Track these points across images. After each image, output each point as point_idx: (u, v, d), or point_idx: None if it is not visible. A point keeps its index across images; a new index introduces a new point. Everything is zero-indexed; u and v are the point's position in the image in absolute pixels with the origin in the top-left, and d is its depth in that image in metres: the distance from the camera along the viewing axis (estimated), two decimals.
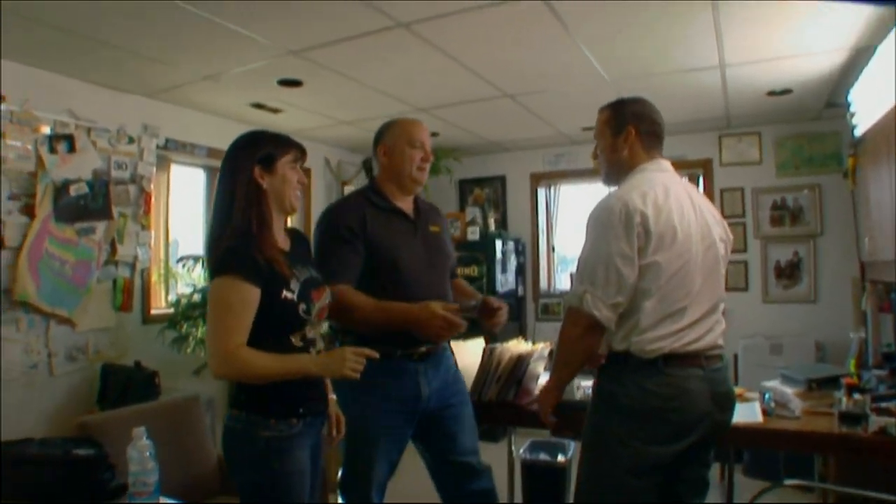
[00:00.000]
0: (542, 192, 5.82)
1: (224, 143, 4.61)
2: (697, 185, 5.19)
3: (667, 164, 2.00)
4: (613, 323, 1.80)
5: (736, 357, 4.67)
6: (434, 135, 5.20)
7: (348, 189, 5.37)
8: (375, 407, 2.15)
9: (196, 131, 4.26)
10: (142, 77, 3.64)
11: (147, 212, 3.92)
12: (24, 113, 3.34)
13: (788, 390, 2.71)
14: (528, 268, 5.81)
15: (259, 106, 4.22)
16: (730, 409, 1.95)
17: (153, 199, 3.98)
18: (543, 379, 3.06)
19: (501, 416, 2.80)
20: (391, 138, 2.32)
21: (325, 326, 1.87)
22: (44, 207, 3.38)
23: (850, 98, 3.57)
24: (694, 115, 4.64)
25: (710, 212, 2.00)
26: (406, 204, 2.34)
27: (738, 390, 2.92)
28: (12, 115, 3.29)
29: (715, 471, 3.94)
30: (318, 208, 5.32)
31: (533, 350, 2.92)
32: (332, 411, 2.03)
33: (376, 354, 1.74)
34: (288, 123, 4.67)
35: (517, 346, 2.90)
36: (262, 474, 1.67)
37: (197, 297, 3.66)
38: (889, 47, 2.81)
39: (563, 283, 5.81)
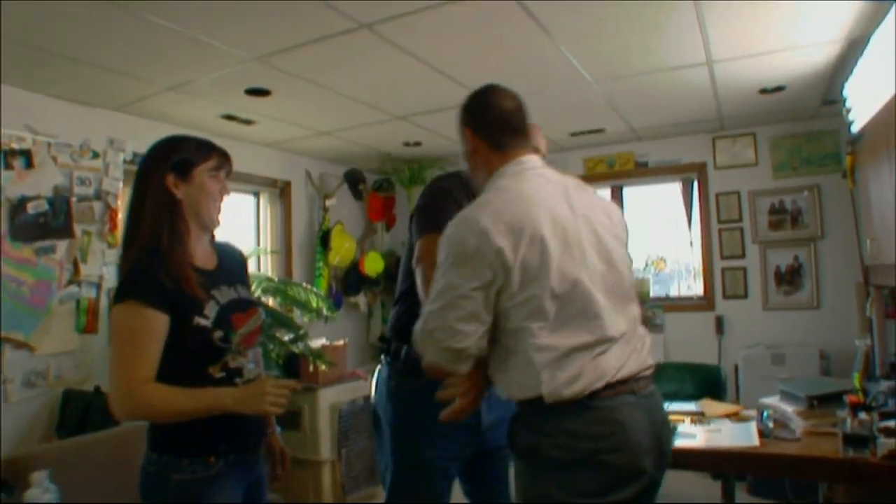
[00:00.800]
0: None
1: None
2: (692, 190, 4.99)
3: (531, 160, 1.63)
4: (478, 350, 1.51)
5: (736, 368, 4.46)
6: (416, 144, 5.05)
7: (330, 202, 5.20)
8: (427, 433, 1.88)
9: None
10: (105, 89, 3.49)
11: (113, 229, 3.75)
12: None
13: (788, 408, 2.51)
14: None
15: (230, 118, 4.06)
16: (670, 442, 1.64)
17: (119, 216, 3.81)
18: None
19: None
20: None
21: (255, 353, 1.68)
22: None
23: (845, 93, 3.38)
24: (685, 117, 4.46)
25: (601, 212, 1.64)
26: None
27: (733, 408, 2.72)
28: None
29: (717, 489, 3.74)
30: (298, 224, 5.15)
31: None
32: (277, 445, 1.83)
33: (297, 386, 1.56)
34: (263, 135, 4.52)
35: None
36: None
37: None
38: (884, 36, 2.62)
39: None
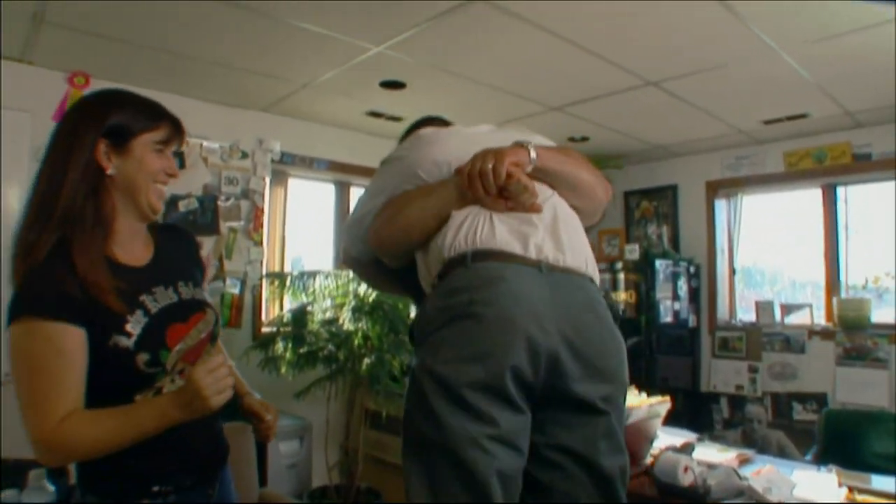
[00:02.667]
0: (720, 204, 4.81)
1: (344, 156, 4.45)
2: None
3: None
4: None
5: None
6: (584, 139, 4.57)
7: None
8: None
9: (314, 144, 4.11)
10: (252, 91, 3.59)
11: (258, 227, 3.81)
12: None
13: None
14: (703, 294, 4.83)
15: (376, 114, 3.94)
16: (595, 334, 1.29)
17: (266, 215, 3.87)
18: (660, 443, 2.31)
19: None
20: None
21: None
22: None
23: None
24: None
25: None
26: None
27: None
28: None
29: None
30: None
31: (643, 403, 2.21)
32: (252, 407, 1.43)
33: (224, 360, 1.16)
34: None
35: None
36: None
37: (287, 317, 3.43)
38: None
39: (746, 312, 4.73)
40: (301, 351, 3.22)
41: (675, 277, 4.62)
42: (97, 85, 3.29)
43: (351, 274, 3.37)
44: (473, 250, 1.30)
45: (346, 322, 3.06)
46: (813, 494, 1.88)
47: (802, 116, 3.86)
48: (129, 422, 1.13)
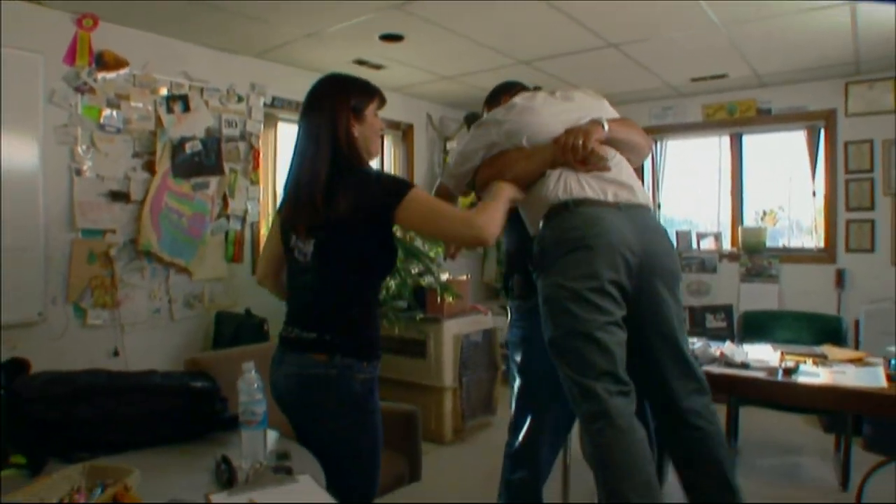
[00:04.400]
0: None
1: None
2: (818, 139, 4.79)
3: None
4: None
5: (857, 324, 4.35)
6: (536, 89, 5.06)
7: (450, 145, 5.38)
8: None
9: (301, 89, 4.33)
10: (250, 38, 3.77)
11: (255, 167, 4.10)
12: (145, 76, 3.56)
13: None
14: None
15: (361, 62, 4.27)
16: (666, 253, 1.95)
17: (261, 156, 4.15)
18: None
19: None
20: None
21: None
22: (163, 164, 3.60)
23: None
24: (816, 61, 4.26)
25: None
26: None
27: (857, 354, 2.74)
28: (135, 78, 3.51)
29: (831, 442, 3.73)
30: (420, 165, 5.41)
31: None
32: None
33: None
34: (391, 80, 4.71)
35: None
36: (360, 418, 1.70)
37: None
38: None
39: None
40: None
41: None
42: (105, 28, 3.40)
43: None
44: (573, 199, 1.89)
45: None
46: (761, 356, 2.61)
47: (723, 76, 4.62)
48: (499, 204, 1.76)
